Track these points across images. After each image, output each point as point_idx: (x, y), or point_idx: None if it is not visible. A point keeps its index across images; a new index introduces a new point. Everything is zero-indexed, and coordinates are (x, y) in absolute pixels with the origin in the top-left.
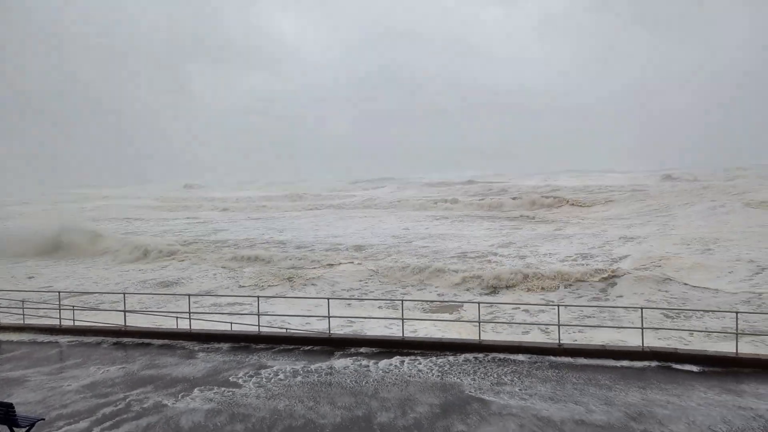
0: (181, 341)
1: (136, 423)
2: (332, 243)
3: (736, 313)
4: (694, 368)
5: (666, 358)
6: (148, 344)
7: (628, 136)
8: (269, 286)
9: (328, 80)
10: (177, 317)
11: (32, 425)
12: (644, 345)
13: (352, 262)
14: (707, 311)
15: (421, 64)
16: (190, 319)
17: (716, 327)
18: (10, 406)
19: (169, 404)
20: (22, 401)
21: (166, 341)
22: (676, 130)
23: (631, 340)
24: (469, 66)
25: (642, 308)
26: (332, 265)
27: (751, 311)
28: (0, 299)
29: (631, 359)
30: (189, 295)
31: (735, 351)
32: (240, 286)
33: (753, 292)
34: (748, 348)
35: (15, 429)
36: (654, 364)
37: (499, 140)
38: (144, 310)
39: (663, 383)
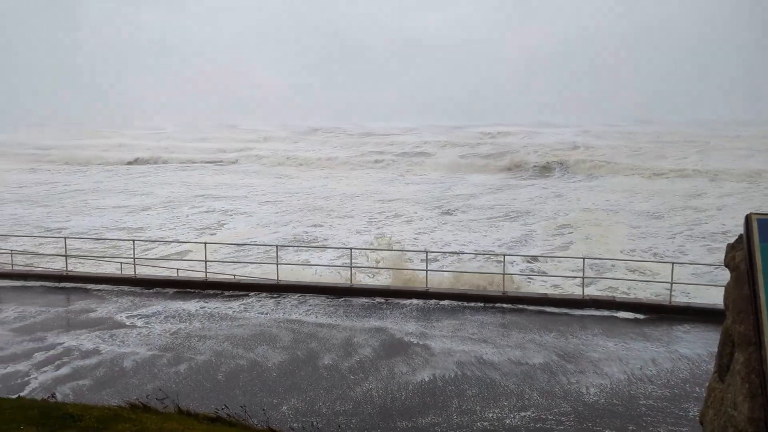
0: (124, 287)
1: (76, 365)
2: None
3: (672, 263)
4: (630, 315)
5: (604, 306)
6: (89, 289)
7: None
8: None
9: (239, 22)
10: (121, 263)
11: None
12: (584, 294)
13: None
14: (644, 261)
15: (340, 8)
16: (134, 264)
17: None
18: None
19: (110, 347)
20: None
21: (108, 286)
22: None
23: (572, 289)
24: (389, 12)
25: (584, 258)
26: None
27: (688, 262)
28: None
29: (571, 307)
30: (134, 240)
31: (669, 300)
32: None
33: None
34: (680, 297)
35: None
36: (593, 311)
37: (436, 90)
38: (88, 255)
39: (600, 329)
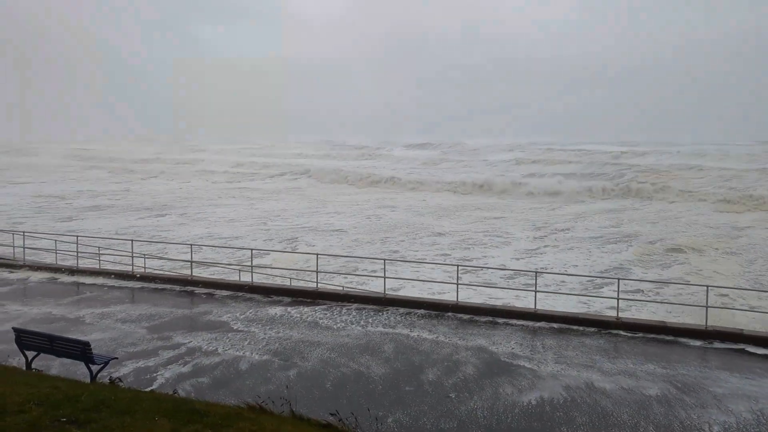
0: (243, 293)
1: (197, 364)
2: None
3: None
4: (760, 350)
5: (730, 338)
6: (212, 294)
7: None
8: None
9: (339, 43)
10: (240, 270)
11: (107, 363)
12: (707, 324)
13: None
14: None
15: (436, 24)
16: (252, 273)
17: None
18: (87, 344)
19: (228, 350)
20: (95, 339)
21: (229, 292)
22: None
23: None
24: (490, 27)
25: (708, 286)
26: None
27: None
28: (80, 245)
29: (693, 337)
30: (252, 250)
31: None
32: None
33: None
34: None
35: (91, 366)
36: (717, 343)
37: (546, 108)
38: (210, 261)
39: (722, 362)
